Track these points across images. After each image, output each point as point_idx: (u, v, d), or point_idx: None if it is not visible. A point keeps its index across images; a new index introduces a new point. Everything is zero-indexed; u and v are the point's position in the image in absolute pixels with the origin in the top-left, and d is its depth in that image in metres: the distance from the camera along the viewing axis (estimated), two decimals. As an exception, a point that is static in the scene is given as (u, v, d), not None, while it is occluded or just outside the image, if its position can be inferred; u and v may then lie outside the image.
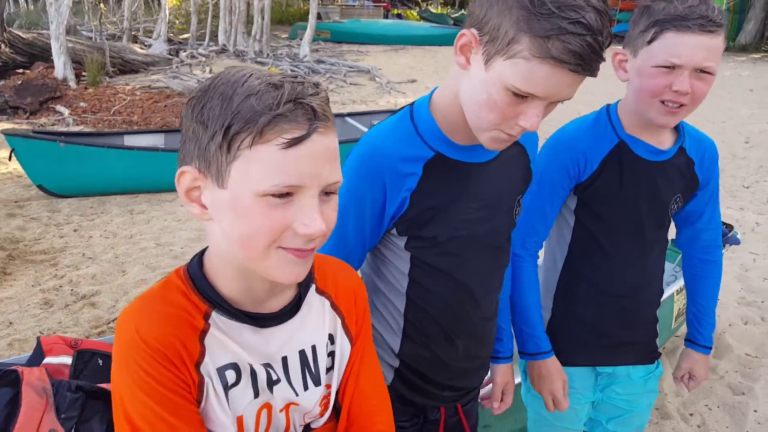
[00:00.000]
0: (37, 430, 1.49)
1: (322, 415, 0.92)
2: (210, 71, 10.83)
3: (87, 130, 7.02)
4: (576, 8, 0.83)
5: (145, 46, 12.92)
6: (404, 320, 1.16)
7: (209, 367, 0.79)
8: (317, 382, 0.90)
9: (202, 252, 0.85)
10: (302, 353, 0.88)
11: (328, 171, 0.73)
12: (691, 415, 2.61)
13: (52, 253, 4.06)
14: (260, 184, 0.70)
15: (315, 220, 0.72)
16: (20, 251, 4.04)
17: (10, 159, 4.81)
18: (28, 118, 7.51)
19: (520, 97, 0.90)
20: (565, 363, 1.45)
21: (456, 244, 1.10)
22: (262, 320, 0.83)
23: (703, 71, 1.19)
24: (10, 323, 3.16)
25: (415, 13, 25.27)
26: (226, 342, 0.81)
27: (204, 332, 0.79)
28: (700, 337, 1.57)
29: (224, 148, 0.71)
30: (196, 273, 0.82)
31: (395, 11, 25.26)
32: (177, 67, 10.90)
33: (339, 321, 0.93)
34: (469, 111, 0.98)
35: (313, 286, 0.91)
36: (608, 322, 1.46)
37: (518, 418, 1.84)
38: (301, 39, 13.69)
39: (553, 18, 0.83)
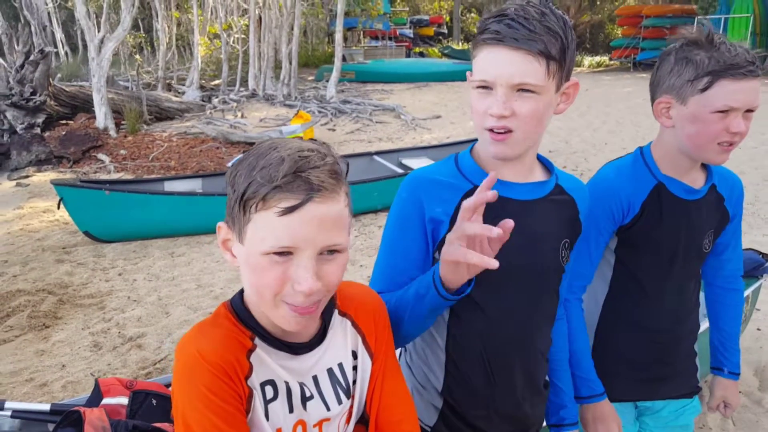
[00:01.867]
0: (99, 467, 1.58)
1: (347, 423, 1.03)
2: (242, 116, 11.19)
3: (127, 176, 7.32)
4: (504, 11, 1.05)
5: (179, 93, 13.44)
6: (445, 355, 1.19)
7: (255, 381, 0.91)
8: (348, 395, 1.01)
9: (243, 290, 0.97)
10: (330, 371, 0.99)
11: (324, 236, 0.84)
12: None
13: (99, 296, 4.23)
14: (263, 244, 0.83)
15: (307, 279, 0.83)
16: (69, 296, 4.22)
17: (59, 207, 5.06)
18: (71, 166, 7.88)
19: (484, 88, 1.06)
20: (609, 399, 1.47)
21: (489, 275, 1.08)
22: (296, 348, 0.95)
23: (750, 110, 1.30)
24: (63, 366, 3.30)
25: (436, 50, 25.76)
26: (267, 361, 0.92)
27: (251, 351, 0.91)
28: (729, 364, 1.61)
29: (241, 210, 0.85)
30: (239, 307, 0.95)
31: (417, 49, 25.81)
32: (210, 112, 11.32)
33: (360, 339, 1.03)
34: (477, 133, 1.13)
35: (336, 311, 1.02)
36: (648, 356, 1.51)
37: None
38: (327, 81, 14.07)
39: (486, 23, 1.06)
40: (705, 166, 1.47)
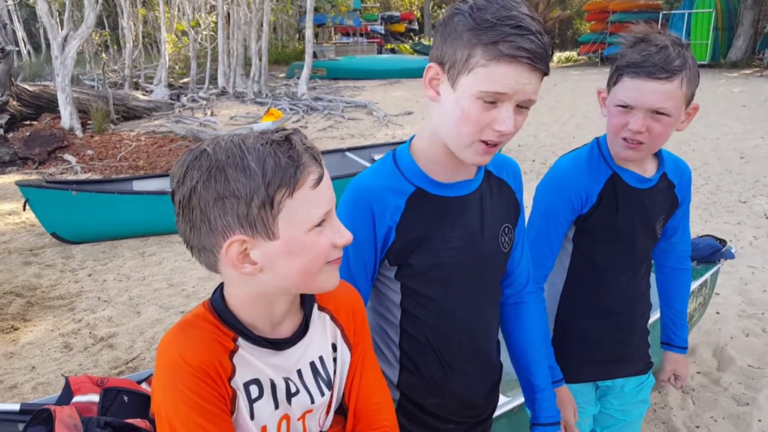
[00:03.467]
0: (71, 465, 1.57)
1: (327, 414, 1.05)
2: (211, 113, 11.08)
3: (95, 177, 7.20)
4: (513, 18, 0.98)
5: (147, 92, 13.23)
6: (400, 351, 1.22)
7: (238, 382, 0.91)
8: (329, 386, 1.03)
9: (221, 289, 0.95)
10: (312, 364, 1.00)
11: (333, 194, 0.92)
12: (698, 427, 2.67)
13: (69, 298, 4.17)
14: (310, 219, 0.85)
15: (344, 233, 0.90)
16: (38, 297, 4.15)
17: (24, 209, 4.96)
18: (37, 168, 7.72)
19: (490, 103, 1.00)
20: (569, 381, 1.53)
21: (441, 271, 1.16)
22: (279, 344, 0.95)
23: (658, 112, 1.31)
24: (33, 368, 3.26)
25: (408, 47, 25.83)
26: (251, 360, 0.92)
27: (233, 352, 0.91)
28: (677, 339, 1.70)
29: (267, 206, 0.82)
30: (220, 306, 0.93)
31: (389, 46, 25.83)
32: (179, 111, 11.18)
33: (339, 332, 1.05)
34: (447, 134, 1.08)
35: (315, 305, 1.03)
36: (606, 338, 1.57)
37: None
38: (298, 78, 14.01)
39: (497, 27, 0.97)
40: (657, 155, 1.52)
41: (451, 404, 1.25)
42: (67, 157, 7.99)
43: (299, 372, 0.98)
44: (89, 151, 8.32)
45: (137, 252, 5.07)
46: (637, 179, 1.47)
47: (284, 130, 0.88)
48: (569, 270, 1.55)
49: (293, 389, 0.97)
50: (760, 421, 2.70)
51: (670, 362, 1.71)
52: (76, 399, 1.79)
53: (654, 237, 1.54)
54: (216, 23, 14.20)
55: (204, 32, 14.84)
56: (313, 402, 0.99)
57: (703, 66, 18.65)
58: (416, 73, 17.57)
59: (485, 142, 1.04)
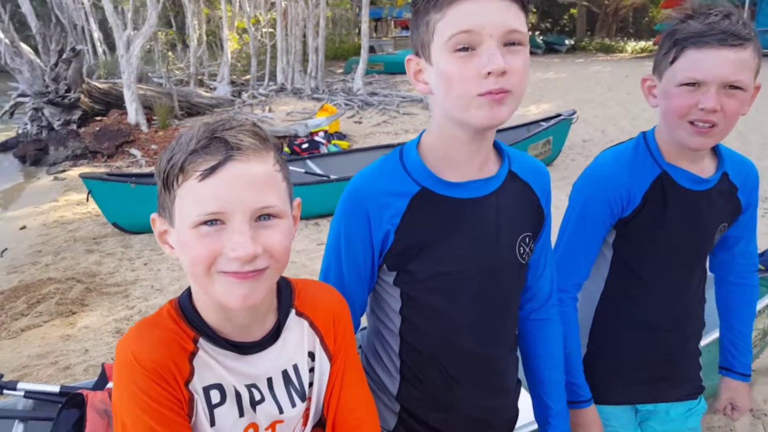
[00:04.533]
0: (99, 449, 1.62)
1: (304, 426, 0.99)
2: (269, 110, 11.34)
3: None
4: None
5: (210, 89, 13.68)
6: (400, 361, 1.15)
7: (197, 385, 0.87)
8: (303, 398, 0.96)
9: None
10: (285, 373, 0.94)
11: (253, 196, 0.79)
12: None
13: (125, 285, 4.38)
14: (190, 217, 0.79)
15: (241, 243, 0.77)
16: (96, 284, 4.38)
17: (87, 200, 5.25)
18: (105, 161, 8.14)
19: (465, 50, 0.91)
20: (603, 402, 1.40)
21: (443, 281, 1.07)
22: (244, 348, 0.90)
23: (732, 87, 1.14)
24: (86, 350, 3.44)
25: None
26: (212, 364, 0.88)
27: (193, 354, 0.86)
28: (738, 365, 1.51)
29: (166, 191, 0.81)
30: (185, 303, 0.89)
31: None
32: (239, 107, 11.50)
33: (317, 340, 0.98)
34: (447, 112, 0.98)
35: (293, 311, 0.97)
36: (648, 356, 1.41)
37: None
38: (355, 73, 14.11)
39: None
40: (716, 152, 1.34)
41: (455, 421, 1.16)
42: (133, 151, 8.39)
43: (269, 380, 0.93)
44: (153, 146, 8.70)
45: (191, 243, 5.24)
46: (691, 179, 1.28)
47: (229, 119, 0.85)
48: (608, 279, 1.39)
49: (257, 397, 0.92)
50: None
51: (727, 390, 1.52)
52: (110, 385, 1.85)
53: (709, 246, 1.37)
54: (275, 20, 14.50)
55: (263, 29, 15.19)
56: (281, 413, 0.94)
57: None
58: (474, 66, 17.16)
59: (486, 93, 0.92)
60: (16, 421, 1.74)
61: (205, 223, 0.79)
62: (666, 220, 1.29)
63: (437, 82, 0.97)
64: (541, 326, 1.25)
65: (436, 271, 1.06)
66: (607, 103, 11.38)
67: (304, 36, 14.57)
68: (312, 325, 0.98)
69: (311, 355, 0.98)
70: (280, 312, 0.95)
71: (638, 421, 1.50)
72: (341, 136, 8.72)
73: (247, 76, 15.42)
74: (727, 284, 1.51)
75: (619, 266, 1.37)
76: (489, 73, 0.90)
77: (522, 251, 1.12)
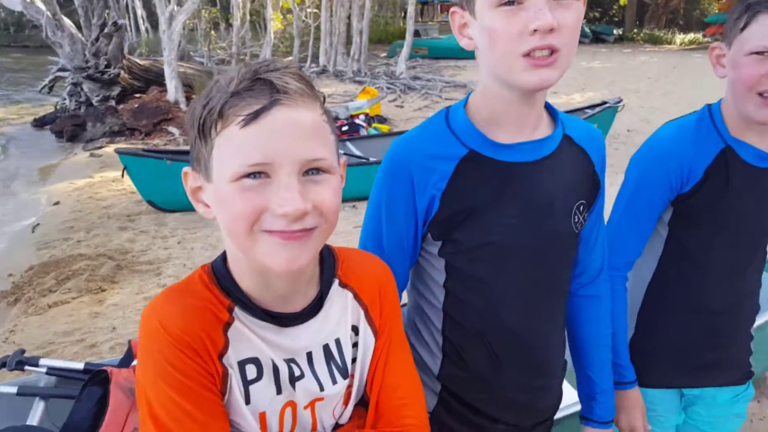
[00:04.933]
0: (122, 428, 1.53)
1: (345, 405, 0.91)
2: (310, 91, 11.20)
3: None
4: None
5: (252, 69, 13.65)
6: (442, 338, 1.08)
7: (231, 359, 0.78)
8: (345, 374, 0.88)
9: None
10: (326, 347, 0.86)
11: (302, 147, 0.70)
12: None
13: (157, 263, 4.28)
14: (230, 168, 0.70)
15: (290, 199, 0.69)
16: (128, 261, 4.29)
17: (123, 176, 5.17)
18: (143, 138, 8.13)
19: (510, 3, 0.85)
20: (648, 385, 1.36)
21: (490, 251, 1.00)
22: (284, 319, 0.82)
23: None
24: (114, 328, 3.34)
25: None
26: (248, 336, 0.79)
27: (228, 324, 0.78)
28: None
29: (202, 139, 0.73)
30: (219, 269, 0.81)
31: (494, 25, 24.96)
32: (280, 87, 11.38)
33: (362, 313, 0.91)
34: (492, 70, 0.93)
35: (336, 281, 0.89)
36: (698, 340, 1.35)
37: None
38: (399, 57, 13.86)
39: None
40: None
41: (500, 402, 1.10)
42: (171, 129, 8.36)
43: (309, 355, 0.85)
44: (192, 124, 8.66)
45: (225, 223, 5.13)
46: (757, 155, 1.22)
47: (274, 60, 0.76)
48: (661, 259, 1.33)
49: (297, 373, 0.83)
50: None
51: None
52: (136, 362, 1.75)
53: None
54: (320, 1, 14.32)
55: (308, 10, 15.04)
56: (322, 390, 0.86)
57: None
58: (521, 53, 16.74)
59: (531, 55, 0.86)
60: (37, 398, 1.68)
61: (248, 175, 0.70)
62: (728, 197, 1.23)
63: (481, 38, 0.91)
64: (591, 303, 1.19)
65: (484, 240, 1.00)
66: (653, 93, 11.00)
67: (349, 18, 14.35)
68: (356, 297, 0.90)
69: (355, 329, 0.90)
70: (322, 282, 0.87)
71: (683, 405, 1.46)
72: (382, 120, 8.51)
73: (290, 57, 15.33)
74: None
75: (674, 245, 1.31)
76: (535, 30, 0.84)
77: (576, 220, 1.06)
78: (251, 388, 0.80)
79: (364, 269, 0.93)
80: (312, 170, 0.72)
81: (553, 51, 0.86)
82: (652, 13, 27.35)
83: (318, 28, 14.76)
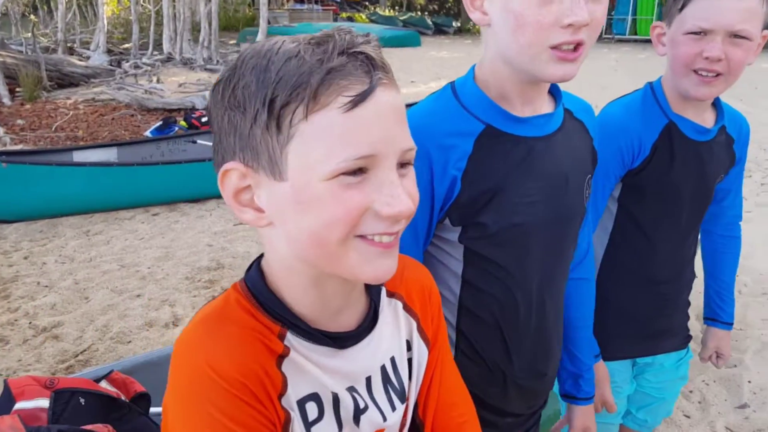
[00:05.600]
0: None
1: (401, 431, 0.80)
2: (157, 80, 10.36)
3: (28, 148, 6.51)
4: None
5: (83, 58, 12.27)
6: (456, 333, 1.03)
7: (291, 399, 0.65)
8: (403, 398, 0.77)
9: (258, 262, 0.70)
10: (383, 369, 0.74)
11: (401, 135, 0.61)
12: (691, 392, 2.63)
13: (2, 284, 3.66)
14: (327, 163, 0.57)
15: (398, 196, 0.59)
16: (-37, 285, 3.63)
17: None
18: (-41, 139, 6.92)
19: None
20: (607, 358, 1.39)
21: (517, 233, 0.95)
22: (341, 340, 0.69)
23: (737, 36, 1.14)
24: (-40, 368, 2.79)
25: (364, 17, 25.16)
26: (306, 367, 0.66)
27: (282, 357, 0.64)
28: (723, 314, 1.55)
29: (273, 128, 0.57)
30: (259, 287, 0.67)
31: (344, 14, 25.09)
32: (121, 78, 10.38)
33: (414, 324, 0.80)
34: (511, 55, 0.87)
35: (384, 290, 0.77)
36: (649, 310, 1.42)
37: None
38: (251, 44, 13.32)
39: None
40: (715, 105, 1.34)
41: (512, 393, 1.07)
42: (-5, 126, 7.21)
43: (368, 380, 0.72)
44: (20, 121, 7.55)
45: (81, 231, 4.55)
46: (696, 129, 1.29)
47: (343, 28, 0.61)
48: (612, 234, 1.38)
49: (362, 404, 0.70)
50: (749, 382, 2.69)
51: (713, 339, 1.56)
52: (19, 405, 1.46)
53: (709, 197, 1.37)
54: (159, -16, 13.27)
55: (146, -6, 13.86)
56: (385, 420, 0.73)
57: (649, 41, 19.03)
58: (373, 42, 17.02)
59: (559, 48, 0.82)
60: None
61: (352, 173, 0.57)
62: (673, 170, 1.29)
63: (503, 17, 0.85)
64: (580, 286, 1.20)
65: (510, 221, 0.94)
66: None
67: (191, 2, 13.47)
68: (405, 306, 0.79)
69: (408, 344, 0.79)
70: (371, 291, 0.74)
71: (634, 374, 1.53)
72: (244, 110, 8.12)
73: (127, 45, 14.04)
74: (714, 236, 1.56)
75: (624, 220, 1.36)
76: (569, 24, 0.80)
77: (586, 195, 1.05)
78: (313, 430, 0.67)
79: (409, 273, 0.82)
80: (402, 164, 0.62)
81: (578, 45, 0.83)
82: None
83: (159, 13, 13.67)
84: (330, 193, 0.58)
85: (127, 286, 3.63)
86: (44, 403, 1.43)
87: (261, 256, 0.70)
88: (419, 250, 0.97)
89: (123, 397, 1.51)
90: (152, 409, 1.55)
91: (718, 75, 1.17)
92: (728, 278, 1.55)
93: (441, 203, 0.93)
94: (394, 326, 0.77)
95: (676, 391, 1.58)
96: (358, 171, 0.58)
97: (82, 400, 1.46)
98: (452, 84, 0.97)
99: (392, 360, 0.76)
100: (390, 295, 0.78)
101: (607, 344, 1.38)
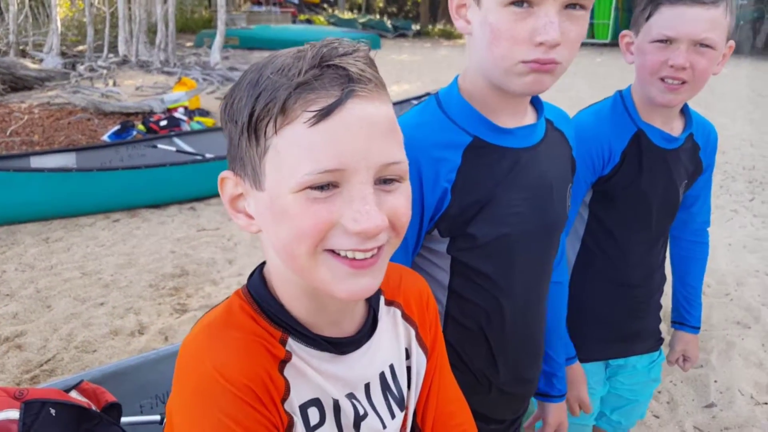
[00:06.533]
0: None
1: None
2: (114, 83, 10.16)
3: (-19, 153, 6.33)
4: None
5: (36, 60, 11.92)
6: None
7: (294, 403, 0.67)
8: (402, 406, 0.78)
9: (261, 268, 0.72)
10: (382, 376, 0.75)
11: (379, 148, 0.59)
12: (659, 392, 2.70)
13: (-41, 294, 3.60)
14: (294, 176, 0.58)
15: (367, 212, 0.58)
16: None
17: None
18: None
19: (520, 6, 0.82)
20: (581, 360, 1.42)
21: (504, 243, 0.97)
22: (341, 346, 0.70)
23: (702, 45, 1.18)
24: None
25: (323, 19, 25.12)
26: (307, 373, 0.67)
27: (284, 362, 0.66)
28: (691, 318, 1.60)
29: (252, 140, 0.61)
30: (261, 293, 0.69)
31: (303, 17, 24.98)
32: (76, 81, 10.15)
33: (413, 332, 0.81)
34: (486, 66, 0.89)
35: (382, 298, 0.78)
36: (621, 313, 1.46)
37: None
38: (208, 47, 13.19)
39: None
40: (684, 113, 1.40)
41: (498, 401, 1.09)
42: (-55, 132, 6.98)
43: (367, 387, 0.73)
44: (-29, 126, 7.33)
45: (40, 238, 4.48)
46: (663, 138, 1.34)
47: (336, 39, 0.63)
48: (583, 239, 1.41)
49: (361, 411, 0.72)
50: (716, 381, 2.77)
51: (681, 342, 1.61)
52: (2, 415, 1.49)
53: (677, 204, 1.42)
54: (114, -15, 12.99)
55: (100, -5, 13.54)
56: (384, 428, 0.75)
57: (605, 45, 19.60)
58: (333, 44, 17.01)
59: (533, 61, 0.84)
60: None
61: (319, 187, 0.58)
62: (641, 177, 1.32)
63: (481, 30, 0.87)
64: (556, 290, 1.23)
65: (498, 232, 0.96)
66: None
67: (147, 4, 13.23)
68: (404, 315, 0.80)
69: (406, 352, 0.80)
70: (371, 298, 0.75)
71: (607, 376, 1.56)
72: (204, 113, 8.05)
73: (81, 47, 13.69)
74: (682, 242, 1.60)
75: (595, 226, 1.39)
76: (540, 43, 0.82)
77: (568, 204, 1.08)
78: None
79: (406, 281, 0.82)
80: (386, 177, 0.62)
81: (553, 63, 0.85)
82: (444, 9, 29.61)
83: (114, 14, 13.38)
84: (297, 205, 0.58)
85: (90, 294, 3.62)
86: (14, 414, 1.45)
87: (264, 262, 0.73)
88: (408, 261, 0.98)
89: (94, 408, 1.53)
90: (124, 419, 1.59)
91: (683, 83, 1.21)
92: (696, 283, 1.59)
93: (431, 214, 0.94)
94: (393, 334, 0.78)
95: (649, 393, 1.61)
96: (329, 185, 0.58)
97: (52, 411, 1.48)
98: (436, 96, 0.98)
99: (391, 368, 0.77)
100: (389, 303, 0.79)
101: (581, 346, 1.42)
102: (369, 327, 0.74)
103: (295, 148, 0.58)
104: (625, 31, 1.32)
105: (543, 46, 0.82)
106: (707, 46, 1.18)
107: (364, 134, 0.58)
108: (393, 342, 0.78)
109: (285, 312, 0.68)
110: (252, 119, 0.59)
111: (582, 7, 0.84)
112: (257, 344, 0.65)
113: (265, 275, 0.71)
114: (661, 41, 1.20)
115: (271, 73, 0.59)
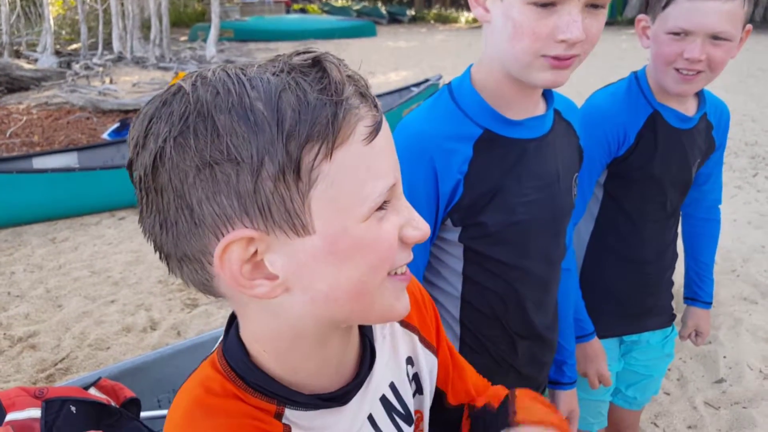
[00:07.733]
0: None
1: None
2: (110, 81, 10.13)
3: (-18, 156, 6.34)
4: None
5: (31, 60, 11.89)
6: (460, 326, 1.07)
7: None
8: (410, 421, 0.73)
9: (234, 331, 0.61)
10: (384, 399, 0.70)
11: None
12: (669, 370, 2.71)
13: (-30, 296, 3.63)
14: (364, 202, 0.51)
15: (419, 218, 0.57)
16: (-70, 300, 3.57)
17: None
18: None
19: (544, 6, 0.83)
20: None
21: (516, 231, 0.99)
22: (344, 396, 0.63)
23: (717, 37, 1.17)
24: (-62, 382, 2.78)
25: (316, 8, 24.96)
26: None
27: None
28: (703, 294, 1.62)
29: (290, 176, 0.47)
30: (244, 366, 0.59)
31: (297, 6, 24.83)
32: (73, 80, 10.12)
33: (416, 338, 0.76)
34: (504, 57, 0.91)
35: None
36: (635, 290, 1.47)
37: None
38: (203, 40, 13.13)
39: None
40: (697, 93, 1.39)
41: (516, 384, 1.05)
42: (-56, 136, 6.98)
43: (371, 419, 0.68)
44: (-29, 129, 7.33)
45: (47, 238, 4.50)
46: (678, 118, 1.34)
47: (307, 51, 0.52)
48: (597, 218, 1.42)
49: None
50: (725, 357, 2.79)
51: (693, 318, 1.63)
52: (10, 416, 1.51)
53: (689, 182, 1.42)
54: (106, -19, 12.91)
55: (93, -8, 13.46)
56: None
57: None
58: (329, 33, 16.99)
59: (553, 57, 0.86)
60: None
61: (381, 206, 0.53)
62: (656, 157, 1.33)
63: (503, 23, 0.88)
64: (566, 277, 1.23)
65: (509, 221, 0.98)
66: (458, 68, 11.67)
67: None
68: (404, 323, 0.75)
69: (409, 361, 0.75)
70: (365, 329, 0.68)
71: (621, 352, 1.57)
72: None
73: (75, 45, 13.64)
74: (694, 219, 1.61)
75: (609, 205, 1.40)
76: (563, 40, 0.84)
77: (574, 193, 1.10)
78: None
79: None
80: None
81: (573, 57, 0.87)
82: (438, -7, 29.49)
83: (107, 11, 13.30)
84: (371, 233, 0.52)
85: (100, 293, 3.64)
86: (36, 413, 1.47)
87: (231, 326, 0.62)
88: (426, 252, 1.02)
89: (113, 404, 1.55)
90: (143, 414, 1.61)
91: (698, 72, 1.20)
92: (708, 259, 1.61)
93: (445, 205, 0.96)
94: (391, 352, 0.73)
95: (663, 368, 1.63)
96: (385, 202, 0.53)
97: (73, 409, 1.51)
98: (449, 86, 1.00)
99: (392, 386, 0.72)
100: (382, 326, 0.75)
101: (595, 323, 1.42)
102: (368, 360, 0.67)
103: (355, 170, 0.50)
104: (641, 15, 1.31)
105: (565, 43, 0.84)
106: (723, 38, 1.17)
107: (389, 137, 0.56)
108: (392, 360, 0.72)
109: (274, 383, 0.59)
110: (290, 149, 0.47)
111: (602, 6, 0.86)
112: (251, 428, 0.56)
113: (245, 343, 0.60)
114: (676, 33, 1.19)
115: (278, 92, 0.48)
